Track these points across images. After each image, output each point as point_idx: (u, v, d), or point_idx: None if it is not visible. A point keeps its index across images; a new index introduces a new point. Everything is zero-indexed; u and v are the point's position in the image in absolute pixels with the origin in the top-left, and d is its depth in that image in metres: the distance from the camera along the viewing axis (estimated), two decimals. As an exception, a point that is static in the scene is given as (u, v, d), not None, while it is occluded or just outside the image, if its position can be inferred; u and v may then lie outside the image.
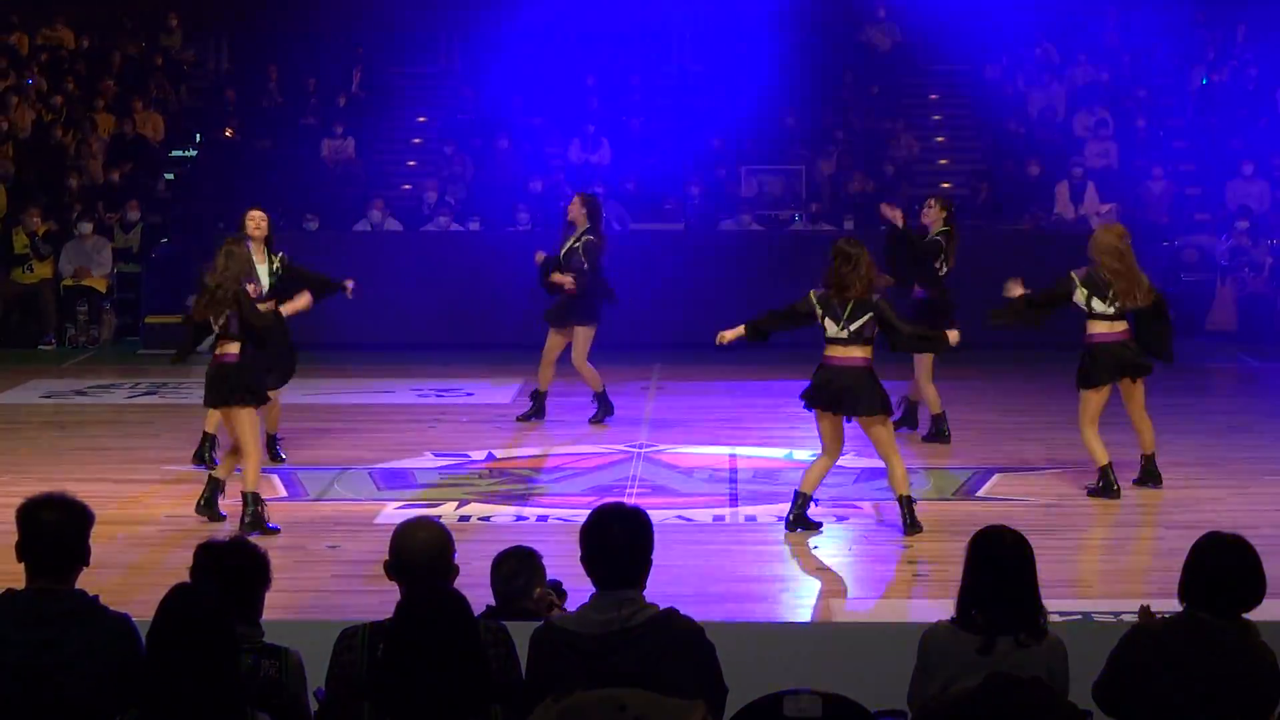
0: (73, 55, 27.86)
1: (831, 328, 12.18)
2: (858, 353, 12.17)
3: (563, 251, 16.17)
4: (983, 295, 14.99)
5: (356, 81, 27.57)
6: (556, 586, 8.03)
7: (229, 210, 23.66)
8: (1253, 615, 6.32)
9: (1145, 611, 6.61)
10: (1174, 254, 23.60)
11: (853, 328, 12.11)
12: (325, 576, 11.44)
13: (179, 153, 26.80)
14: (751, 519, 13.08)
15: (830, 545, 12.27)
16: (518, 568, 7.97)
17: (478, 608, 6.31)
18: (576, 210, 16.36)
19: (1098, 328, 13.48)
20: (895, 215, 15.49)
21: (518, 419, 16.59)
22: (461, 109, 26.99)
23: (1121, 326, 13.50)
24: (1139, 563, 11.50)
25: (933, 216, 15.36)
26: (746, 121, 26.36)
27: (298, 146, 26.15)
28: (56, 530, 6.13)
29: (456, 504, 13.30)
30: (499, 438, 15.96)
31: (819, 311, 12.20)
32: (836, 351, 12.21)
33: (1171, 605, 6.49)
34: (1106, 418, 13.51)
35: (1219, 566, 6.27)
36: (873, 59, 28.10)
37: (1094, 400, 13.44)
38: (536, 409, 16.56)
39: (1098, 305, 13.45)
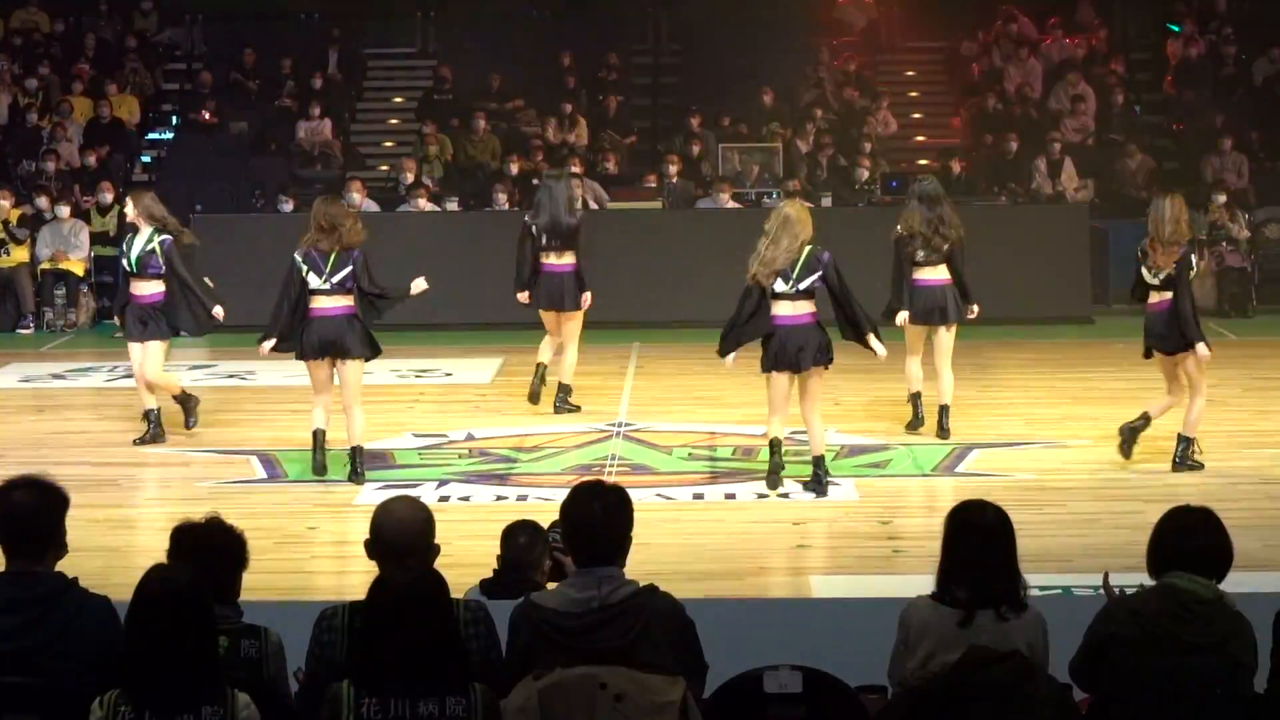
0: (47, 39, 27.75)
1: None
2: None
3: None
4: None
5: (332, 63, 27.51)
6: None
7: (206, 193, 23.67)
8: (1234, 588, 6.31)
9: (1105, 580, 6.55)
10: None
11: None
12: (305, 557, 11.44)
13: (155, 135, 26.70)
14: (731, 496, 13.08)
15: (810, 521, 12.27)
16: (532, 541, 7.99)
17: (458, 587, 6.29)
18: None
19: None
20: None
21: None
22: (438, 89, 26.94)
23: None
24: (1119, 537, 11.50)
25: None
26: (723, 99, 26.35)
27: (274, 128, 26.10)
28: (30, 512, 6.11)
29: (436, 484, 13.28)
30: (478, 417, 15.92)
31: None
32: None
33: (1141, 578, 6.47)
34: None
35: (1184, 538, 6.24)
36: (848, 36, 28.08)
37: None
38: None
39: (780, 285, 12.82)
